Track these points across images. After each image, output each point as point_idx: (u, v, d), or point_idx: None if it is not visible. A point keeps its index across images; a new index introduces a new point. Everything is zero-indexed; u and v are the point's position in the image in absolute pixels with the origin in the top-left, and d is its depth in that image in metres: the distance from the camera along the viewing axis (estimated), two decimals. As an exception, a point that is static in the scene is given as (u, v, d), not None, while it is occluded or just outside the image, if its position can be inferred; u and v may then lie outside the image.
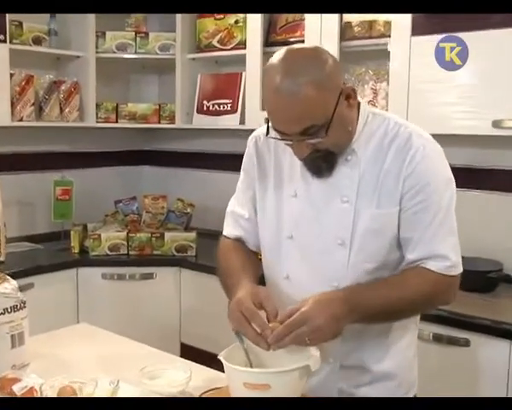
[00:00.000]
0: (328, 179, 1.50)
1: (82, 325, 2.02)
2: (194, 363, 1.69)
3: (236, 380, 1.34)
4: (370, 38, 2.75)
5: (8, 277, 1.70)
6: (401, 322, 1.56)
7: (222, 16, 3.28)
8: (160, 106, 3.54)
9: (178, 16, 3.39)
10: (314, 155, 1.45)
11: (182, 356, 2.49)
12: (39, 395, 1.42)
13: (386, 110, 2.65)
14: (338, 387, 1.56)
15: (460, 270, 1.48)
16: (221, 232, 3.27)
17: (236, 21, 3.20)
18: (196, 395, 1.49)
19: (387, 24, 2.68)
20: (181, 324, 3.16)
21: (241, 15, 3.18)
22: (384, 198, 1.47)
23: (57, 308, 2.87)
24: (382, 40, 2.69)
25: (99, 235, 3.15)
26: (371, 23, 2.75)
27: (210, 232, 3.39)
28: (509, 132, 2.36)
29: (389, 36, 2.63)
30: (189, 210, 3.44)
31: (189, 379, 1.51)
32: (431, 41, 2.48)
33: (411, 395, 1.63)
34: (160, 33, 3.47)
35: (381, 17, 2.72)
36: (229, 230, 1.71)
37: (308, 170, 1.51)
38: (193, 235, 3.21)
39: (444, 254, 1.45)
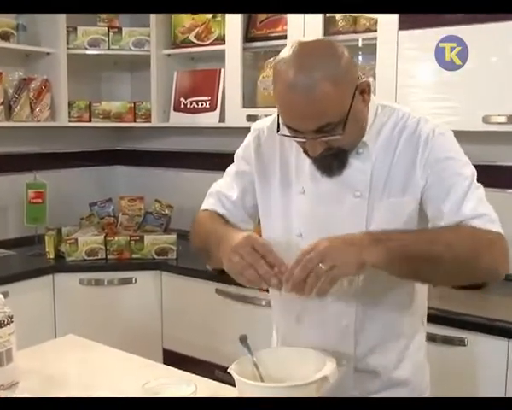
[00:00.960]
0: (339, 175, 1.46)
1: (69, 336, 1.91)
2: (196, 376, 1.61)
3: (249, 395, 1.26)
4: (355, 32, 2.70)
5: (-7, 290, 1.59)
6: (411, 322, 1.54)
7: (199, 11, 3.19)
8: (134, 104, 3.43)
9: (152, 11, 3.29)
10: (325, 154, 1.39)
11: (165, 362, 2.42)
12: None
13: (374, 106, 2.61)
14: (352, 394, 1.51)
15: (502, 231, 1.38)
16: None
17: (214, 16, 3.12)
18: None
19: (372, 18, 2.63)
20: (163, 329, 3.06)
21: (220, 10, 3.10)
22: (396, 187, 1.44)
23: (34, 317, 2.75)
24: (368, 34, 2.64)
25: (76, 239, 3.03)
26: (356, 17, 2.70)
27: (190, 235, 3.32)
28: (499, 128, 2.34)
29: (375, 30, 2.58)
30: (167, 211, 3.35)
31: (195, 394, 1.43)
32: (418, 35, 2.44)
33: None
34: (134, 28, 3.36)
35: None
36: (211, 206, 1.63)
37: (317, 169, 1.46)
38: (173, 237, 3.12)
39: (483, 212, 1.38)
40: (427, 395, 1.60)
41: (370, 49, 2.61)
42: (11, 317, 1.56)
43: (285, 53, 1.36)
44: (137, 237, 3.11)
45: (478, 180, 1.44)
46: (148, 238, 3.10)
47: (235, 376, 1.27)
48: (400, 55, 2.49)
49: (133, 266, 3.07)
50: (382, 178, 1.45)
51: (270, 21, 2.97)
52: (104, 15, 3.37)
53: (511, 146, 2.66)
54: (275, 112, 1.48)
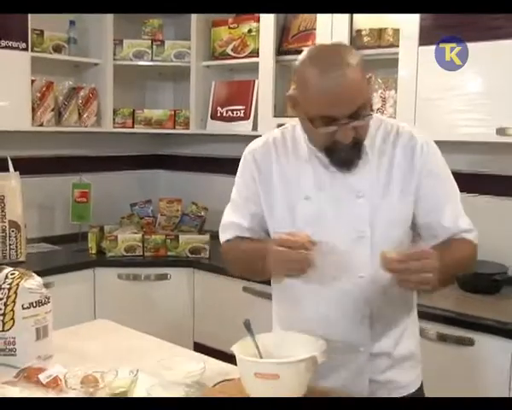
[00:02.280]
0: (341, 177, 1.57)
1: (101, 320, 2.12)
2: (206, 356, 1.79)
3: (248, 370, 1.43)
4: (380, 47, 2.84)
5: (33, 274, 1.80)
6: (409, 301, 1.70)
7: (236, 25, 3.38)
8: (175, 112, 3.64)
9: (193, 25, 3.48)
10: (347, 146, 1.49)
11: (195, 354, 2.59)
12: (63, 384, 1.52)
13: (394, 117, 2.74)
14: (369, 377, 1.64)
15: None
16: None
17: (250, 30, 3.30)
18: (210, 385, 1.58)
19: (396, 33, 2.76)
20: (194, 323, 3.25)
21: (255, 25, 3.28)
22: (397, 190, 1.58)
23: (75, 306, 2.96)
24: (391, 49, 2.77)
25: (116, 236, 3.25)
26: (380, 32, 2.84)
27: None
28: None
29: (397, 46, 2.71)
30: (202, 213, 3.54)
31: (203, 370, 1.60)
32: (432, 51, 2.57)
33: (420, 380, 1.74)
34: (176, 41, 3.57)
35: (390, 26, 2.80)
36: (232, 236, 1.71)
37: (336, 166, 1.55)
38: (206, 237, 3.31)
39: (469, 227, 1.62)
40: (420, 376, 1.74)
41: (393, 63, 2.74)
42: (48, 298, 1.77)
43: (305, 55, 1.49)
44: (173, 236, 3.31)
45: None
46: (182, 238, 3.30)
47: (235, 353, 1.44)
48: (420, 68, 2.61)
49: (168, 263, 3.26)
50: (382, 181, 1.58)
51: (300, 36, 3.13)
52: (148, 29, 3.59)
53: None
54: (266, 133, 1.71)
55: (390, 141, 1.60)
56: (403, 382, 1.68)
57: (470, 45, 2.47)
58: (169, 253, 3.31)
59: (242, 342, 1.52)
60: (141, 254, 3.29)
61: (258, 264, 1.55)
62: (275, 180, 1.65)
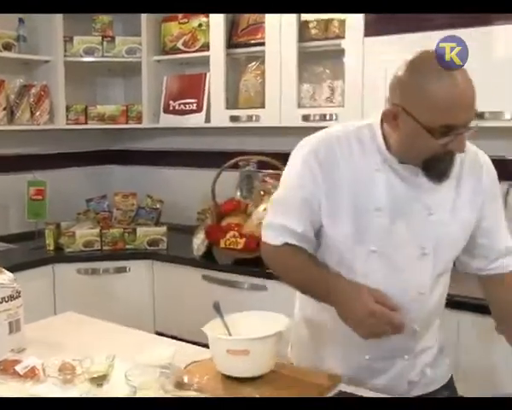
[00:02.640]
0: (414, 191, 1.53)
1: (69, 313, 2.17)
2: (176, 341, 1.87)
3: (220, 348, 1.53)
4: (326, 38, 2.95)
5: (3, 269, 1.84)
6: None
7: (186, 20, 3.44)
8: (127, 107, 3.68)
9: (143, 20, 3.53)
10: (448, 157, 1.46)
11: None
12: (41, 373, 1.58)
13: (343, 106, 2.86)
14: (408, 379, 1.66)
15: None
16: (190, 226, 3.42)
17: (200, 25, 3.37)
18: (182, 367, 1.66)
19: (342, 25, 2.87)
20: (155, 313, 3.31)
21: (204, 19, 3.35)
22: (464, 208, 1.58)
23: (36, 303, 2.90)
24: (338, 41, 2.88)
25: (73, 232, 3.28)
26: (327, 24, 2.95)
27: (178, 226, 3.59)
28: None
29: (344, 37, 2.83)
30: (158, 206, 3.59)
31: (175, 353, 1.68)
32: (382, 41, 2.69)
33: (448, 363, 1.79)
34: (126, 37, 3.60)
35: (336, 17, 2.91)
36: (286, 239, 1.60)
37: (432, 176, 1.49)
38: (163, 229, 3.37)
39: None
40: (450, 371, 1.80)
41: (341, 53, 2.86)
42: (19, 292, 1.82)
43: (414, 65, 1.43)
44: (130, 230, 3.36)
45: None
46: (140, 230, 3.35)
47: (207, 332, 1.53)
48: (366, 59, 2.74)
49: (127, 256, 3.31)
50: (451, 199, 1.56)
51: (250, 30, 3.22)
52: (98, 25, 3.61)
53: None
54: (323, 131, 1.61)
55: (458, 160, 1.53)
56: (435, 376, 1.72)
57: (412, 36, 2.59)
58: (127, 246, 3.35)
59: (212, 323, 1.61)
60: (99, 248, 3.32)
61: (319, 294, 1.57)
62: (341, 185, 1.54)
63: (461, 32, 2.39)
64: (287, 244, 1.61)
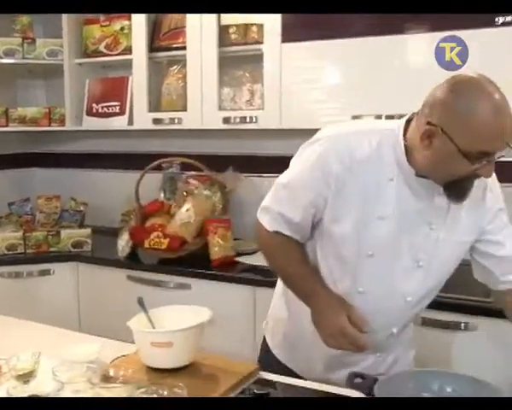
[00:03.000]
0: (421, 205, 1.57)
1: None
2: (99, 337, 1.92)
3: (144, 341, 1.60)
4: (246, 43, 3.05)
5: None
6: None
7: (108, 23, 3.47)
8: (49, 109, 3.66)
9: (64, 22, 3.52)
10: (473, 180, 1.49)
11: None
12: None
13: (263, 109, 2.97)
14: (376, 372, 1.69)
15: None
16: (114, 228, 3.44)
17: (122, 28, 3.41)
18: (108, 362, 1.71)
19: (260, 30, 2.96)
20: (80, 315, 3.32)
21: (126, 22, 3.38)
22: (465, 228, 1.62)
23: None
24: (256, 46, 2.98)
25: (-5, 236, 3.26)
26: (246, 29, 3.04)
27: (103, 228, 3.61)
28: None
29: (262, 42, 2.93)
30: (82, 208, 3.60)
31: (102, 348, 1.74)
32: (299, 47, 2.81)
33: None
34: (48, 39, 3.58)
35: (255, 22, 3.00)
36: (276, 226, 1.66)
37: (454, 196, 1.52)
38: (88, 231, 3.39)
39: None
40: None
41: (260, 58, 2.96)
42: None
43: (460, 87, 1.42)
44: (54, 232, 3.35)
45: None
46: (64, 232, 3.36)
47: (131, 327, 1.60)
48: (284, 63, 2.85)
49: (51, 258, 3.30)
50: (455, 217, 1.60)
51: (172, 34, 3.28)
52: (18, 26, 3.57)
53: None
54: (344, 124, 1.69)
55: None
56: (400, 368, 1.78)
57: (327, 42, 2.73)
58: (51, 249, 3.35)
59: (137, 317, 1.68)
60: (22, 251, 3.30)
61: (300, 291, 1.67)
62: (351, 188, 1.56)
63: (377, 40, 2.62)
64: (280, 233, 1.66)
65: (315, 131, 1.71)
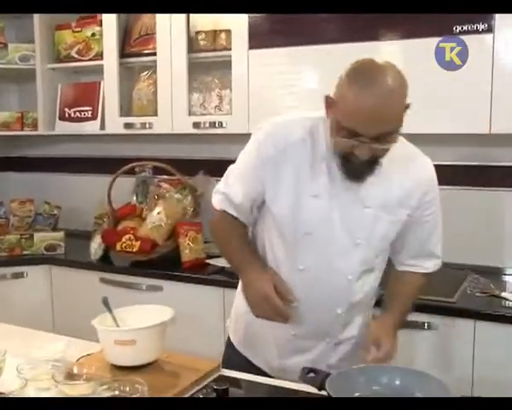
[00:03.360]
0: (355, 185, 1.66)
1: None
2: (69, 337, 1.97)
3: (108, 339, 1.66)
4: (215, 50, 3.11)
5: None
6: (375, 293, 1.88)
7: (79, 29, 3.51)
8: (22, 114, 3.70)
9: (36, 27, 3.56)
10: (363, 161, 1.57)
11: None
12: None
13: (231, 114, 3.04)
14: (327, 363, 1.80)
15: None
16: (87, 231, 3.47)
17: (93, 34, 3.45)
18: (74, 360, 1.76)
19: (229, 37, 3.02)
20: (54, 317, 3.36)
21: (98, 28, 3.43)
22: (400, 208, 1.71)
23: None
24: (225, 52, 3.04)
25: (-32, 239, 3.29)
26: (215, 36, 3.11)
27: (76, 232, 3.66)
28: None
29: (231, 48, 2.99)
30: (55, 212, 3.65)
31: (67, 347, 1.79)
32: (267, 53, 2.88)
33: None
34: (20, 44, 3.61)
35: (224, 29, 3.08)
36: (223, 206, 1.82)
37: (346, 174, 1.63)
38: (61, 234, 3.43)
39: (436, 253, 1.83)
40: None
41: (228, 64, 3.02)
42: None
43: (356, 65, 1.53)
44: (27, 235, 3.39)
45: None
46: (37, 236, 3.40)
47: (96, 325, 1.66)
48: (252, 70, 2.92)
49: (24, 261, 3.34)
50: (390, 197, 1.69)
51: (142, 40, 3.33)
52: (-11, 32, 3.61)
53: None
54: (282, 117, 1.76)
55: (408, 164, 1.71)
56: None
57: (294, 49, 2.81)
58: (24, 252, 3.39)
59: (101, 317, 1.73)
60: (-5, 254, 3.35)
61: (234, 264, 1.83)
62: (288, 170, 1.69)
63: (345, 46, 2.68)
64: (226, 213, 1.82)
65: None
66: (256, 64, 2.91)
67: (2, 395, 1.46)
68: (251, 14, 2.86)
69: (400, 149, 1.66)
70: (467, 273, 2.75)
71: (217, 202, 1.85)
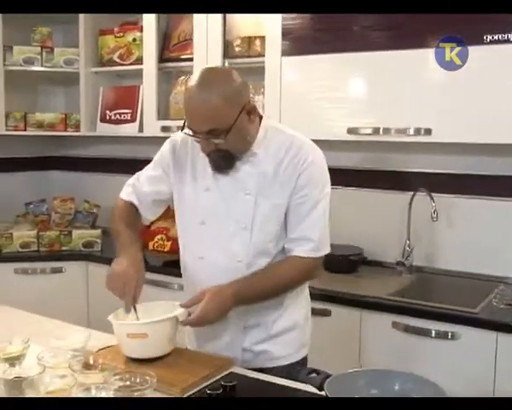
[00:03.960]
0: (234, 175, 1.85)
1: (1, 307, 2.35)
2: (93, 330, 2.06)
3: (121, 333, 1.73)
4: (249, 56, 3.18)
5: None
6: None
7: (121, 34, 3.63)
8: (66, 115, 3.83)
9: (81, 33, 3.70)
10: (216, 154, 1.79)
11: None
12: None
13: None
14: (242, 346, 1.92)
15: (323, 252, 1.90)
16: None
17: (134, 39, 3.57)
18: (94, 351, 1.85)
19: (263, 44, 3.08)
20: (89, 312, 3.48)
21: (138, 34, 3.54)
22: (279, 192, 1.84)
23: None
24: (259, 59, 3.11)
25: (11, 234, 3.44)
26: (249, 42, 3.18)
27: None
28: (364, 138, 2.84)
29: (264, 55, 3.06)
30: (94, 210, 3.77)
31: (88, 339, 1.87)
32: (297, 61, 2.94)
33: (304, 354, 2.00)
34: (65, 48, 3.76)
35: (258, 36, 3.15)
36: (127, 195, 2.07)
37: (211, 166, 1.85)
38: (98, 232, 3.55)
39: (309, 236, 1.86)
40: (306, 349, 2.02)
41: (262, 70, 3.08)
42: None
43: (195, 73, 1.76)
44: (66, 232, 3.53)
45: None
46: (75, 233, 3.53)
47: (111, 320, 1.74)
48: (284, 76, 2.97)
49: (63, 257, 3.48)
50: (269, 183, 1.84)
51: (180, 46, 3.43)
52: (37, 36, 3.74)
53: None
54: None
55: (282, 151, 1.84)
56: (278, 353, 1.94)
57: (327, 56, 2.85)
58: (63, 247, 3.52)
59: (118, 311, 1.81)
60: (36, 249, 3.49)
61: (118, 247, 1.96)
62: (188, 167, 1.93)
63: (379, 55, 2.71)
64: (129, 202, 2.05)
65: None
66: (288, 70, 2.96)
67: (20, 379, 1.54)
68: (285, 22, 2.91)
69: (277, 137, 1.86)
70: (495, 285, 2.75)
71: (124, 193, 2.09)
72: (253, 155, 1.85)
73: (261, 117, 1.89)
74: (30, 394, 1.50)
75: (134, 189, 2.06)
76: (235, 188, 1.86)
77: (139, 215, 2.06)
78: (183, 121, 1.81)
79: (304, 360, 2.01)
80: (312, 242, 1.86)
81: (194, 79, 1.74)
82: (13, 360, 1.67)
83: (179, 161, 1.96)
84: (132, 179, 2.10)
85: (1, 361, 1.67)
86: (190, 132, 1.78)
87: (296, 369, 1.80)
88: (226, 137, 1.74)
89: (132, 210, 2.05)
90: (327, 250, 1.91)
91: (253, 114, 1.80)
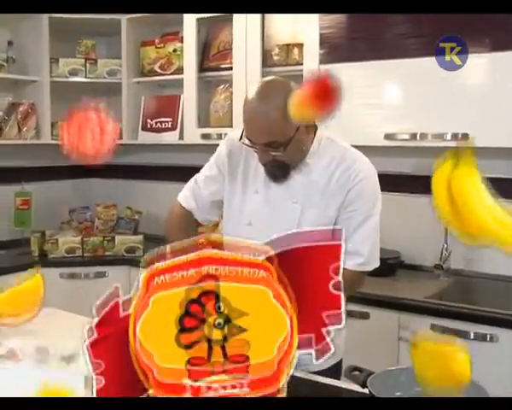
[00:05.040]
0: (284, 182, 1.87)
1: (49, 309, 2.44)
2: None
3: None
4: (287, 64, 3.24)
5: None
6: None
7: (162, 45, 3.73)
8: (109, 124, 3.94)
9: (123, 44, 3.81)
10: (273, 164, 1.81)
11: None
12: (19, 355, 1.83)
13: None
14: None
15: (371, 267, 1.88)
16: (164, 236, 3.67)
17: (175, 50, 3.66)
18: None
19: (301, 52, 3.14)
20: (131, 315, 3.56)
21: (179, 45, 3.64)
22: (327, 204, 1.84)
23: None
24: (297, 67, 3.16)
25: (56, 239, 3.55)
26: (288, 50, 3.24)
27: (154, 236, 3.83)
28: (401, 143, 2.88)
29: (302, 63, 3.12)
30: (136, 217, 3.87)
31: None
32: (335, 69, 2.93)
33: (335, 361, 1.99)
34: (108, 60, 3.87)
35: (296, 44, 3.21)
36: (184, 198, 2.10)
37: (267, 175, 1.88)
38: (140, 237, 3.65)
39: (359, 251, 1.82)
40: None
41: (300, 78, 3.13)
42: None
43: (256, 83, 1.78)
44: (109, 238, 3.63)
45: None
46: (118, 238, 3.63)
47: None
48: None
49: (106, 262, 3.57)
50: (319, 193, 1.84)
51: (220, 55, 3.51)
52: (82, 48, 3.87)
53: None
54: (234, 129, 1.97)
55: (334, 163, 1.84)
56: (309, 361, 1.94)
57: (368, 64, 2.89)
58: (106, 253, 3.62)
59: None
60: (80, 254, 3.59)
61: None
62: (240, 169, 1.96)
63: (414, 61, 2.75)
64: (185, 208, 2.10)
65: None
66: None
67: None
68: (322, 31, 2.97)
69: (330, 148, 1.86)
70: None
71: (182, 197, 2.13)
72: (305, 165, 1.87)
73: (316, 127, 1.90)
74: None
75: (192, 192, 2.10)
76: (284, 195, 1.88)
77: (192, 222, 2.12)
78: (241, 131, 1.84)
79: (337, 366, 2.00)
80: (361, 256, 1.85)
81: (253, 91, 1.76)
82: (69, 360, 1.75)
83: (233, 160, 1.99)
84: (190, 182, 2.13)
85: (57, 360, 1.75)
86: (248, 143, 1.80)
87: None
88: (285, 150, 1.76)
89: (184, 221, 2.11)
90: (375, 265, 1.90)
91: (310, 125, 1.82)
